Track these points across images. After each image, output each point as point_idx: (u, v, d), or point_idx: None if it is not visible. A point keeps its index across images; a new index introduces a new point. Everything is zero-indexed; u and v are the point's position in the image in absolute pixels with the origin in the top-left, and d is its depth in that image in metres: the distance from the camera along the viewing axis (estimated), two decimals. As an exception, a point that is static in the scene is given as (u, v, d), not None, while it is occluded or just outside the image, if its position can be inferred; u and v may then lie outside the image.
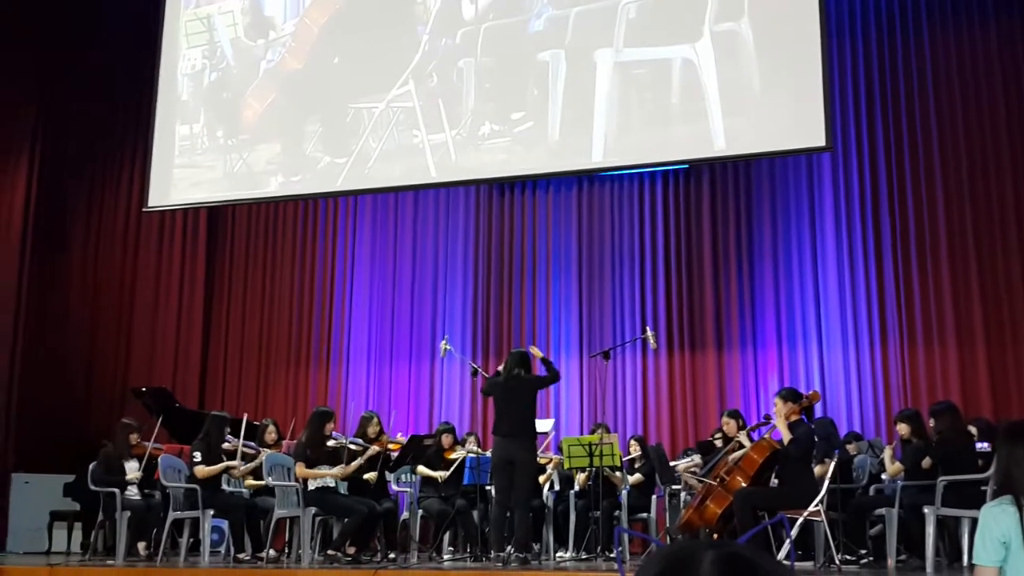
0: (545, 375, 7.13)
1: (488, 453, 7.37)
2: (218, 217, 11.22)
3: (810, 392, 6.67)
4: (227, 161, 9.66)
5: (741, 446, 6.58)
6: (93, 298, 11.12)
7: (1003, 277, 8.66)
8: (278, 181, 9.46)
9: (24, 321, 10.48)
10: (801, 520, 5.98)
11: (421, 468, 7.87)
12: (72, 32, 11.23)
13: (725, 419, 7.48)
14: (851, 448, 7.62)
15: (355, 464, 7.22)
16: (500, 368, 7.31)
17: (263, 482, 7.62)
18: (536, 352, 7.31)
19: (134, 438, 8.09)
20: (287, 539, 8.06)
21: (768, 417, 6.66)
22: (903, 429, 6.83)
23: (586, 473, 7.61)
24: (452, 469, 7.74)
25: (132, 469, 7.90)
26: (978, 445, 6.42)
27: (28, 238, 10.62)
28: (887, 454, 6.82)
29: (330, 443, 7.25)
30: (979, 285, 8.69)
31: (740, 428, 7.13)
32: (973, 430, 6.86)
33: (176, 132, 9.87)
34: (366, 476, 7.34)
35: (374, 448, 7.35)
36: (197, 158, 9.77)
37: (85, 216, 11.30)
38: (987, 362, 8.54)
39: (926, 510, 6.19)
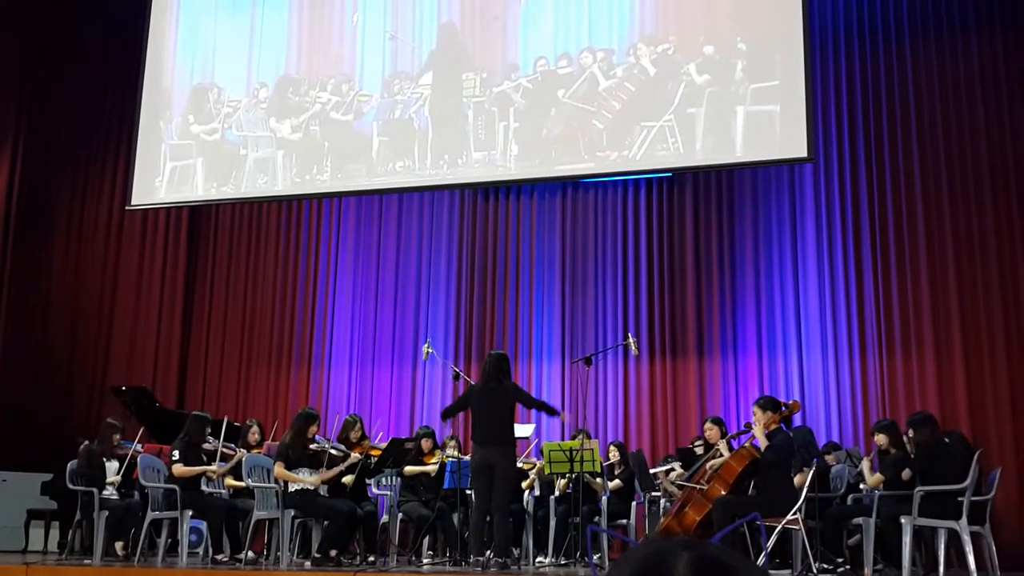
0: (533, 398, 7.28)
1: (468, 458, 7.37)
2: (201, 217, 11.18)
3: (790, 401, 6.70)
4: (213, 160, 9.66)
5: (721, 454, 6.61)
6: (74, 295, 11.06)
7: (981, 288, 8.74)
8: (262, 182, 9.48)
9: (3, 317, 10.42)
10: (779, 528, 6.01)
11: (408, 468, 7.85)
12: (59, 25, 11.20)
13: (708, 426, 7.50)
14: (830, 458, 7.66)
15: (334, 471, 7.21)
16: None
17: (242, 483, 7.60)
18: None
19: (116, 439, 8.05)
20: (266, 541, 8.04)
21: (749, 425, 6.69)
22: (881, 439, 6.88)
23: (566, 479, 7.62)
24: (435, 467, 7.77)
25: (112, 470, 7.86)
26: None
27: (9, 233, 10.58)
28: (865, 465, 6.86)
29: (312, 446, 7.23)
30: (957, 296, 8.76)
31: (723, 435, 7.16)
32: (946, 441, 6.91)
33: (162, 130, 9.86)
34: (344, 479, 7.33)
35: (355, 456, 7.34)
36: (183, 157, 9.76)
37: (67, 212, 11.25)
38: (964, 372, 8.61)
39: (903, 520, 6.23)
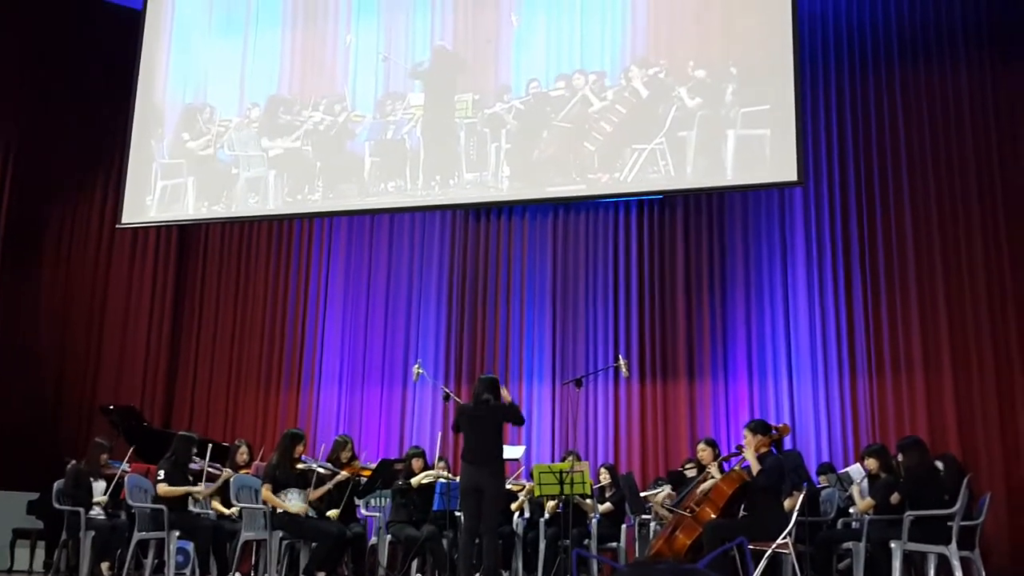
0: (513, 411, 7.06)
1: (458, 479, 7.34)
2: (191, 236, 11.18)
3: (780, 425, 6.70)
4: (204, 179, 9.66)
5: (712, 477, 6.60)
6: (63, 314, 11.02)
7: (970, 311, 8.77)
8: (253, 201, 9.48)
9: (-8, 336, 10.38)
10: (769, 552, 6.00)
11: (414, 480, 7.81)
12: (51, 46, 11.20)
13: (701, 447, 7.49)
14: (824, 479, 7.66)
15: (322, 490, 7.17)
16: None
17: (230, 511, 7.56)
18: (505, 395, 7.20)
19: (104, 458, 8.01)
20: (253, 562, 7.99)
21: (740, 447, 6.69)
22: (872, 464, 6.89)
23: (555, 501, 7.59)
24: (424, 483, 7.75)
25: (99, 490, 7.82)
26: None
27: (-2, 251, 10.55)
28: (855, 490, 6.86)
29: (299, 466, 7.20)
30: (947, 319, 8.80)
31: (715, 457, 7.15)
32: (939, 465, 6.92)
33: (154, 149, 9.86)
34: (328, 513, 7.26)
35: (343, 473, 7.30)
36: (174, 176, 9.76)
37: (57, 230, 11.23)
38: (954, 394, 8.63)
39: (893, 544, 6.23)
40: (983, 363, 8.64)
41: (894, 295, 9.00)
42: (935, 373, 8.75)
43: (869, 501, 6.61)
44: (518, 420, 7.05)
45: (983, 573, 6.49)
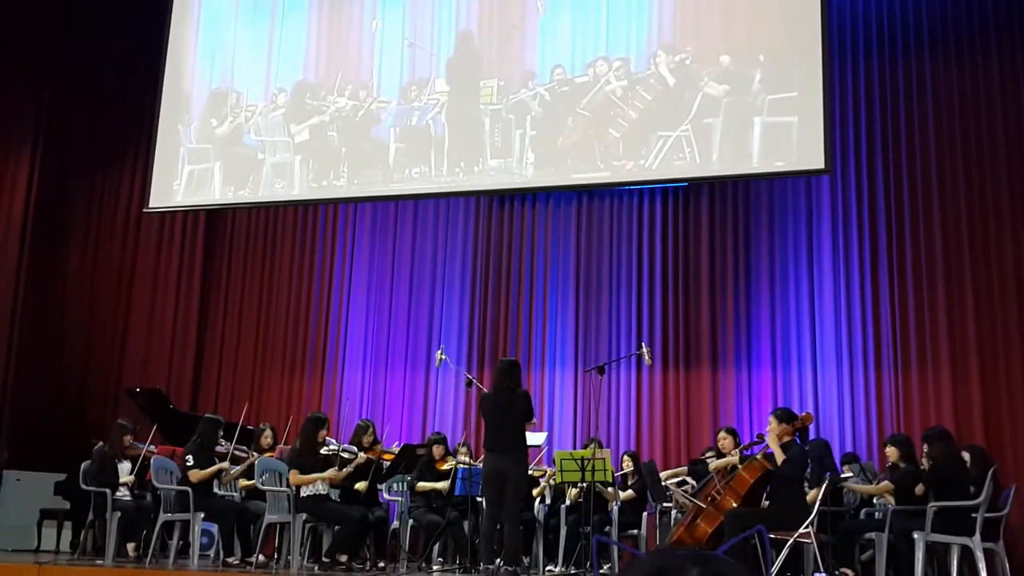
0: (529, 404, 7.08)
1: (480, 464, 7.37)
2: (217, 221, 11.23)
3: (803, 414, 6.67)
4: (230, 164, 9.71)
5: (734, 466, 6.59)
6: (90, 297, 11.13)
7: (998, 303, 8.68)
8: (279, 186, 9.52)
9: (20, 319, 10.49)
10: (791, 542, 5.98)
11: (421, 484, 7.85)
12: (77, 30, 11.28)
13: (722, 435, 7.48)
14: (847, 469, 7.64)
15: (346, 470, 7.21)
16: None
17: (255, 482, 7.63)
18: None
19: (128, 440, 8.09)
20: (277, 545, 8.05)
21: (761, 436, 6.67)
22: (892, 453, 6.86)
23: (577, 488, 7.60)
24: (449, 479, 7.74)
25: (124, 471, 7.90)
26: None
27: (27, 236, 10.65)
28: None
29: (323, 451, 7.25)
30: (974, 310, 8.71)
31: (736, 445, 7.13)
32: (966, 456, 6.88)
33: (181, 134, 9.92)
34: (356, 486, 7.32)
35: (362, 456, 7.35)
36: (201, 161, 9.81)
37: (85, 215, 11.33)
38: (980, 387, 8.55)
39: (916, 535, 6.19)
40: (1010, 356, 8.55)
41: (921, 285, 8.92)
42: (961, 365, 8.67)
43: (886, 484, 6.57)
44: (528, 415, 7.01)
45: (1007, 565, 6.45)
